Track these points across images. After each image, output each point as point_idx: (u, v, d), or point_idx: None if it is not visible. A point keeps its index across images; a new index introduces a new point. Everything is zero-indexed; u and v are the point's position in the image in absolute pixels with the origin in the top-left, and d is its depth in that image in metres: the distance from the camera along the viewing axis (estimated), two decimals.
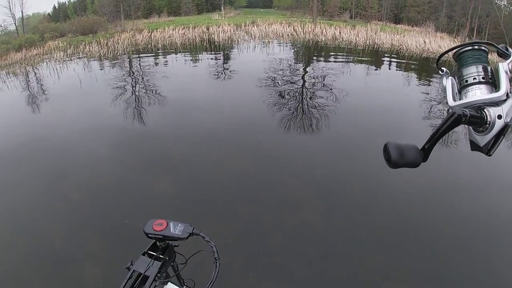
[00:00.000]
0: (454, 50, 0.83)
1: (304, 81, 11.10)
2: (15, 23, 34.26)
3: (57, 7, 53.01)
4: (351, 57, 15.70)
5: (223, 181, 5.03)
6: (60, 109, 8.91)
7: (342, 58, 15.50)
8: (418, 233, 3.92)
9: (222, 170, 5.31)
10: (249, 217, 4.21)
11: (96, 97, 9.85)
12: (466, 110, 0.73)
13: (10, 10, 33.45)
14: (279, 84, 10.37)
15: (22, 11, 35.08)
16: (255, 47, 18.34)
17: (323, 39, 20.88)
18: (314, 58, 16.20)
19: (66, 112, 8.50)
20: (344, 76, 11.68)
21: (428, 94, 9.97)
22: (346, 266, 3.41)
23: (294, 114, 7.80)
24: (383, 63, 15.31)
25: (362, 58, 15.67)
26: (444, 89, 0.86)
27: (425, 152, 0.76)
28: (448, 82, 0.86)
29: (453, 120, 0.71)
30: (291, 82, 10.75)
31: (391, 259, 3.52)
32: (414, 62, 15.41)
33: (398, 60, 15.72)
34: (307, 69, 13.41)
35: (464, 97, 0.80)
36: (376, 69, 13.78)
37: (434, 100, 9.31)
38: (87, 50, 18.85)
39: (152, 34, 22.37)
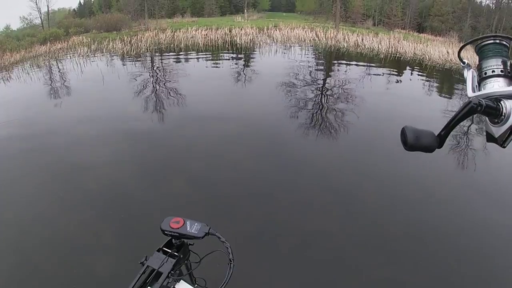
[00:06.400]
0: (476, 43, 0.86)
1: (324, 87, 11.02)
2: (40, 17, 35.25)
3: (82, 3, 54.31)
4: (373, 65, 15.48)
5: (239, 182, 5.02)
6: (82, 103, 9.10)
7: (363, 65, 15.29)
8: (438, 245, 3.80)
9: (239, 172, 5.30)
10: (264, 219, 4.16)
11: (118, 93, 10.05)
12: (482, 100, 0.75)
13: (36, 4, 34.38)
14: (299, 89, 10.33)
15: (48, 6, 36.20)
16: (277, 50, 18.34)
17: (345, 45, 20.67)
18: (335, 64, 16.06)
19: (87, 105, 8.67)
20: (365, 83, 11.52)
21: (450, 106, 9.75)
22: (359, 276, 3.32)
23: (313, 119, 7.75)
24: (405, 72, 15.03)
25: (384, 67, 15.44)
26: (464, 81, 0.89)
27: (441, 138, 0.81)
28: (469, 74, 0.89)
29: (469, 108, 0.75)
30: (311, 87, 10.69)
31: (407, 271, 3.43)
32: (436, 72, 15.10)
33: (421, 70, 15.42)
34: (328, 75, 13.32)
35: (482, 89, 0.82)
36: (397, 78, 13.54)
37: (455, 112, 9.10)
38: (110, 46, 19.23)
39: (175, 33, 22.66)
